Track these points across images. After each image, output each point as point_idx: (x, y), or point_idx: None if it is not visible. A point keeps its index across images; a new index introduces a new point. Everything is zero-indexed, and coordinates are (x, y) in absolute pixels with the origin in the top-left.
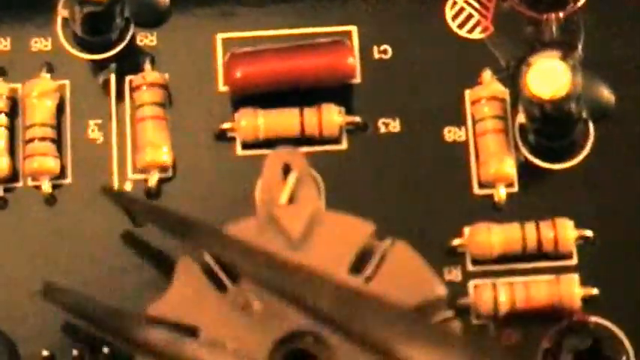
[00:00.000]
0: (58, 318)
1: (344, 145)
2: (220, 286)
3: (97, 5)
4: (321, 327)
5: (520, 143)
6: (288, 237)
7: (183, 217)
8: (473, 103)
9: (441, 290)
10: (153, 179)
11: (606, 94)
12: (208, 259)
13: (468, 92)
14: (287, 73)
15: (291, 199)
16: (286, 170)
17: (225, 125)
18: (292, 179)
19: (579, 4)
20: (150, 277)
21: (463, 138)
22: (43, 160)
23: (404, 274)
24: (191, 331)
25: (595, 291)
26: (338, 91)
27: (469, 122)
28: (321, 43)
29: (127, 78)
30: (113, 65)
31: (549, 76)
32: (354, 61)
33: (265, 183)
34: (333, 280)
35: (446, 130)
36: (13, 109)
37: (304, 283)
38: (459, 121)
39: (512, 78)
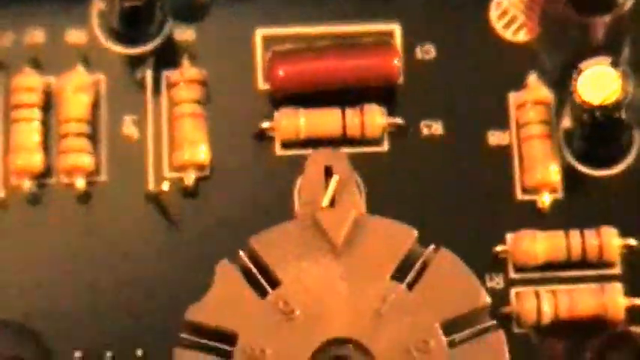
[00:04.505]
0: (91, 318)
1: (385, 147)
2: (260, 291)
3: None
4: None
5: (564, 149)
6: (331, 242)
7: None
8: (518, 107)
9: (486, 299)
10: (190, 178)
11: None
12: (248, 262)
13: (512, 95)
14: (330, 73)
15: (333, 202)
16: (328, 172)
17: (265, 124)
18: (334, 182)
19: (626, 7)
20: (186, 277)
21: (507, 142)
22: (77, 157)
23: (447, 283)
24: (229, 338)
25: (639, 301)
26: (380, 91)
27: (513, 126)
28: (367, 43)
29: (164, 73)
30: (150, 60)
31: (600, 83)
32: (400, 63)
33: (306, 184)
34: None
35: (489, 133)
36: (47, 103)
37: None
38: (503, 124)
39: (558, 83)
